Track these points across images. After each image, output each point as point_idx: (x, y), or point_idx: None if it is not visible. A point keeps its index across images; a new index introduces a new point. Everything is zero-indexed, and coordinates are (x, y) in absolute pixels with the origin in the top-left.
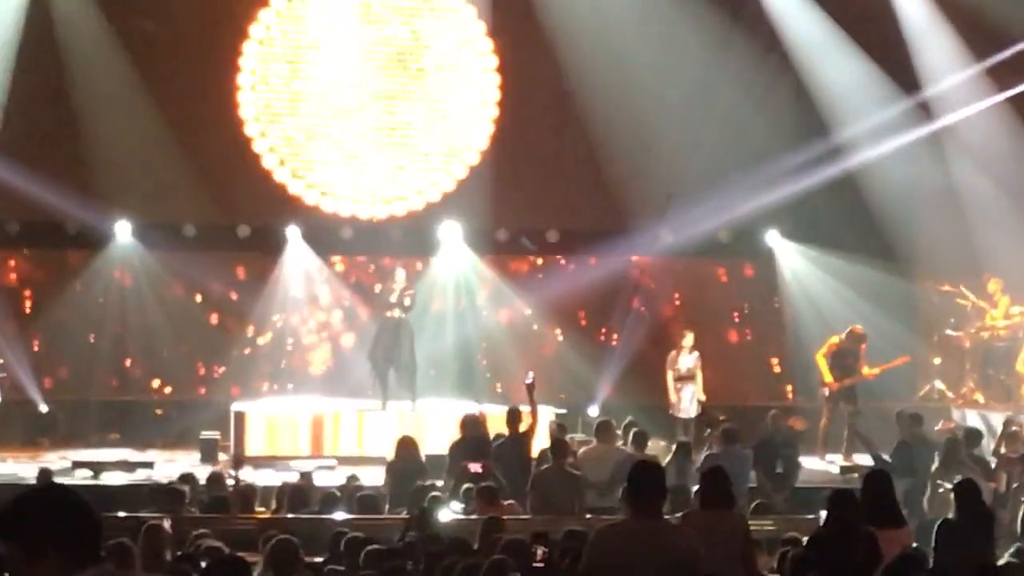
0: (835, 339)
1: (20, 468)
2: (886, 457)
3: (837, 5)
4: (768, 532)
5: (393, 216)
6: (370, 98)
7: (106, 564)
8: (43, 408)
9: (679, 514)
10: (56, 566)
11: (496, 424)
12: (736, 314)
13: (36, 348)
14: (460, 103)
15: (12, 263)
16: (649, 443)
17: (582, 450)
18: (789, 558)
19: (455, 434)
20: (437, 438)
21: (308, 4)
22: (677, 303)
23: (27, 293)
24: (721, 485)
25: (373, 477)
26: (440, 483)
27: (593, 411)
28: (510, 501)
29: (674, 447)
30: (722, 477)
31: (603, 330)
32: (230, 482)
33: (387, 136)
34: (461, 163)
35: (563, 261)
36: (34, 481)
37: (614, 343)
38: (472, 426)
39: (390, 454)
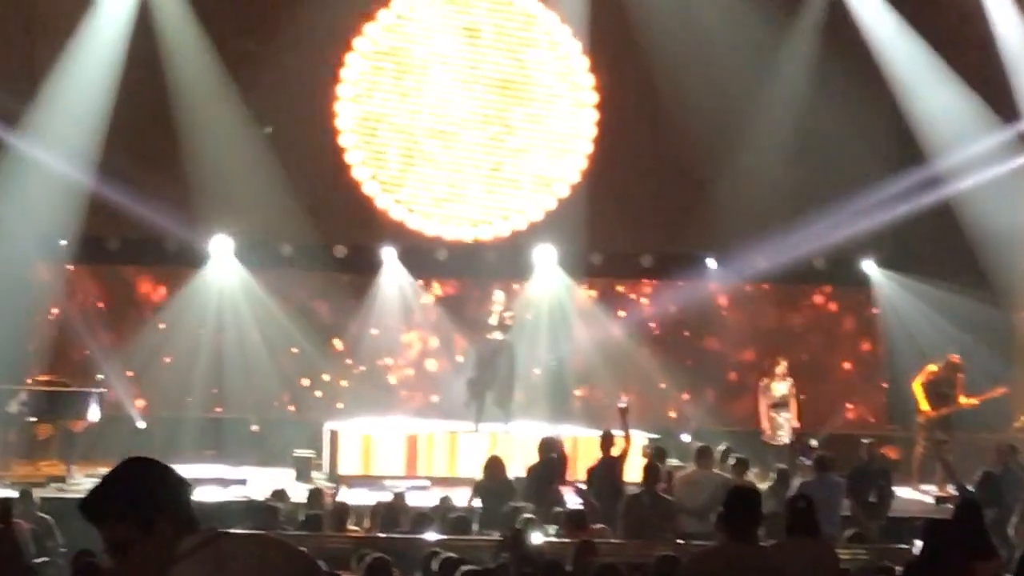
0: (932, 368)
1: None
2: (969, 488)
3: (935, 31)
4: (861, 561)
5: (489, 239)
6: (469, 120)
7: (209, 527)
8: (140, 424)
9: (772, 542)
10: (164, 534)
11: (590, 448)
12: (831, 342)
13: (134, 364)
14: (558, 127)
15: (113, 280)
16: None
17: (680, 474)
18: None
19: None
20: (528, 461)
21: (415, 21)
22: (771, 330)
23: (126, 309)
24: (805, 513)
25: (465, 498)
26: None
27: (686, 437)
28: (600, 525)
29: (773, 475)
30: (806, 505)
31: (695, 355)
32: (329, 500)
33: (485, 158)
34: (558, 186)
35: (656, 285)
36: None
37: (705, 368)
38: (547, 448)
39: (478, 475)
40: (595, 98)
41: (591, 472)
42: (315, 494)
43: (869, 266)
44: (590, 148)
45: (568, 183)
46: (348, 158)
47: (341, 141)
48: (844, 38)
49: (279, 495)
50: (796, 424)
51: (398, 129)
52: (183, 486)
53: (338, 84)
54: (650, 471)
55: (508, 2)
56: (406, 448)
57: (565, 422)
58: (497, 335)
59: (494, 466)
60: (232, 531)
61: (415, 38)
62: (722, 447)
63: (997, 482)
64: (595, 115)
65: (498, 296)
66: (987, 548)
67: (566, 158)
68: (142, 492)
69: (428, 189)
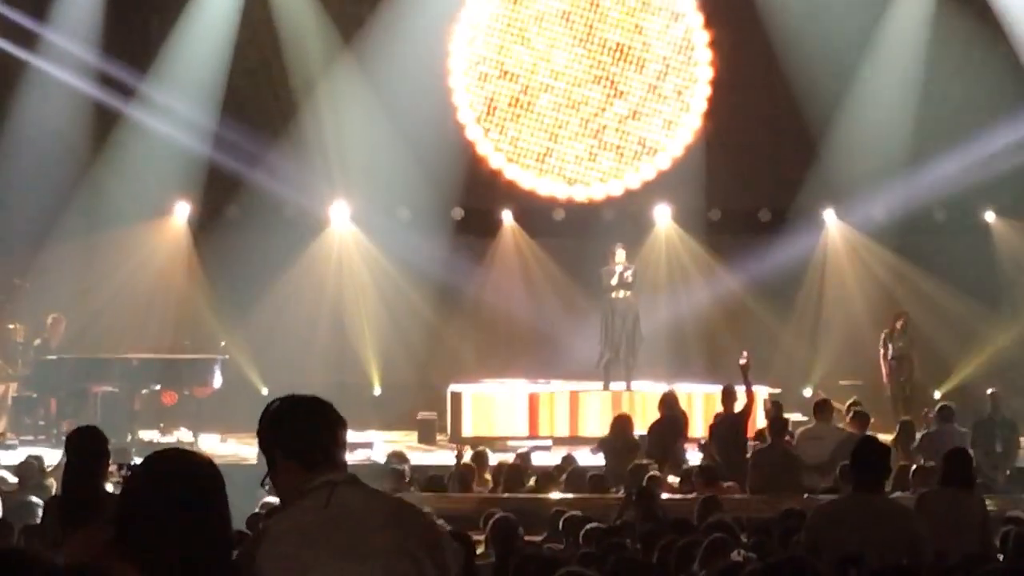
0: None
1: (242, 449)
2: None
3: None
4: (989, 512)
5: (607, 197)
6: (582, 79)
7: (339, 471)
8: (264, 391)
9: (911, 492)
10: (284, 471)
11: (711, 404)
12: (952, 292)
13: (255, 331)
14: (674, 85)
15: (231, 247)
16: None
17: (800, 429)
18: (1012, 536)
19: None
20: (650, 418)
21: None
22: (890, 281)
23: (246, 276)
24: (964, 466)
25: (588, 457)
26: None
27: (807, 391)
28: (730, 483)
29: (897, 426)
30: (965, 458)
31: (816, 309)
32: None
33: (601, 117)
34: (674, 143)
35: (775, 239)
36: (255, 462)
37: (826, 322)
38: (669, 405)
39: (605, 433)
40: (709, 55)
41: (713, 428)
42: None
43: (989, 214)
44: (704, 105)
45: (679, 146)
46: (461, 117)
47: (454, 97)
48: None
49: (399, 456)
50: (916, 376)
51: (511, 76)
52: (305, 426)
53: (450, 41)
54: (776, 424)
55: None
56: (528, 408)
57: (686, 378)
58: (621, 293)
59: (622, 423)
60: (358, 482)
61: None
62: (849, 401)
63: None
64: (709, 71)
65: (619, 254)
66: None
67: (686, 107)
68: (263, 432)
69: (530, 141)
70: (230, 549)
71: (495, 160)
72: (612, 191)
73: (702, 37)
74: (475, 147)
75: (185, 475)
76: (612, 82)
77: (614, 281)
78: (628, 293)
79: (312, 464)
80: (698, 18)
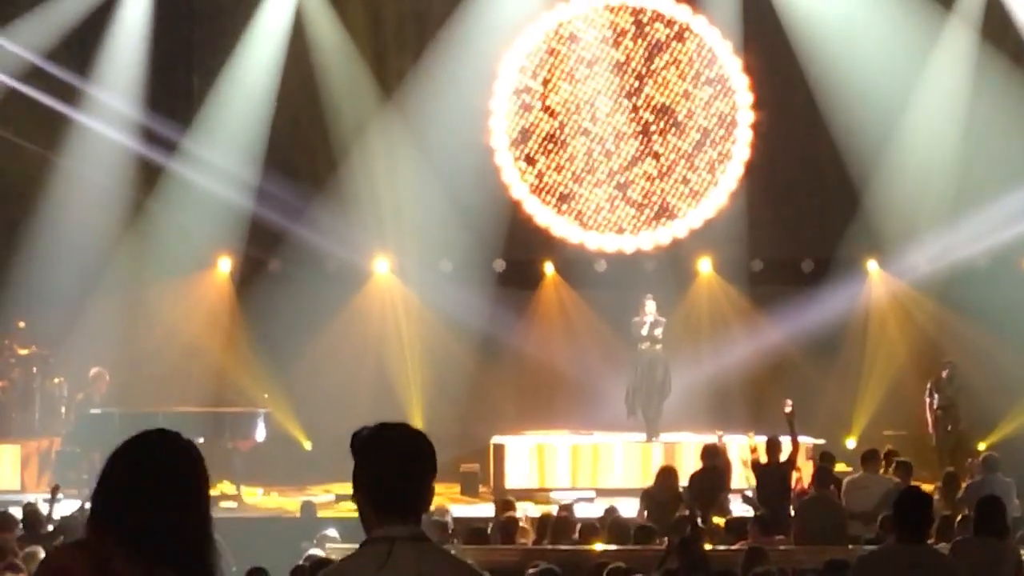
0: None
1: (285, 502)
2: None
3: None
4: None
5: (651, 247)
6: (625, 131)
7: (407, 523)
8: (307, 446)
9: (947, 543)
10: (358, 506)
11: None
12: (995, 342)
13: (298, 384)
14: (715, 134)
15: (274, 301)
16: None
17: (847, 479)
18: None
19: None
20: (692, 470)
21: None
22: (933, 332)
23: (289, 329)
24: (996, 515)
25: (631, 508)
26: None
27: (850, 443)
28: (780, 536)
29: (942, 476)
30: (998, 507)
31: (860, 359)
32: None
33: (645, 167)
34: (717, 193)
35: (818, 290)
36: (298, 515)
37: (870, 372)
38: (711, 456)
39: (647, 484)
40: (750, 103)
41: (759, 478)
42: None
43: None
44: (746, 156)
45: (733, 179)
46: (505, 173)
47: (497, 153)
48: (1000, 32)
49: (440, 509)
50: (962, 426)
51: (551, 111)
52: (371, 467)
53: (491, 112)
54: (821, 475)
55: (684, 32)
56: (571, 459)
57: (729, 429)
58: (648, 344)
59: (666, 475)
60: (420, 541)
61: (566, 55)
62: (886, 450)
63: None
64: (750, 120)
65: (649, 306)
66: None
67: (730, 157)
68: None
69: (591, 201)
70: (206, 520)
71: (541, 217)
72: (658, 240)
73: (747, 116)
74: (521, 203)
75: (151, 446)
76: (649, 140)
77: (644, 332)
78: (658, 346)
79: (381, 508)
80: (746, 97)
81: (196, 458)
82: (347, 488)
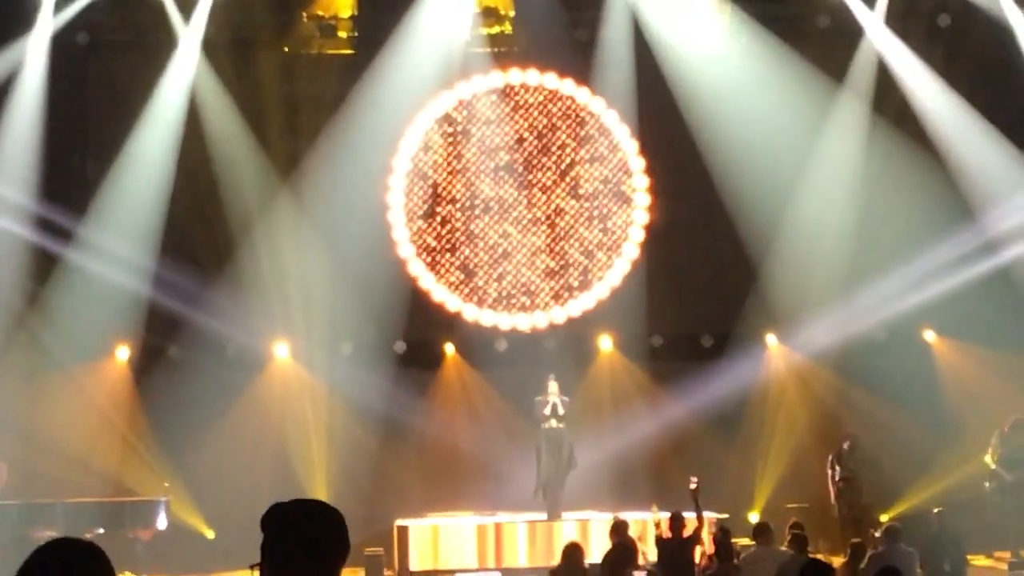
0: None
1: None
2: None
3: (972, 88)
4: None
5: (550, 325)
6: (523, 211)
7: None
8: (210, 534)
9: None
10: None
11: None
12: (895, 413)
13: (199, 471)
14: (612, 213)
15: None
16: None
17: (744, 554)
18: None
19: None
20: (596, 549)
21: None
22: (836, 404)
23: (188, 415)
24: None
25: None
26: None
27: (753, 517)
28: None
29: (848, 548)
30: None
31: (760, 433)
32: None
33: (538, 244)
34: (614, 271)
35: (718, 365)
36: None
37: (771, 446)
38: (619, 533)
39: (552, 563)
40: (645, 182)
41: (662, 553)
42: None
43: (929, 335)
44: (641, 234)
45: (620, 271)
46: (401, 251)
47: (393, 232)
48: (892, 105)
49: None
50: (864, 498)
51: (450, 213)
52: (284, 539)
53: (390, 176)
54: (723, 548)
55: (559, 94)
56: (476, 540)
57: (633, 506)
58: (553, 423)
59: (573, 553)
60: None
61: (469, 127)
62: (790, 523)
63: None
64: (646, 199)
65: (552, 386)
66: None
67: (625, 235)
68: None
69: (474, 274)
70: None
71: (437, 293)
72: (555, 319)
73: (643, 196)
74: (417, 281)
75: (55, 550)
76: (546, 219)
77: (547, 411)
78: (561, 424)
79: None
80: (642, 178)
81: (101, 562)
82: (249, 574)
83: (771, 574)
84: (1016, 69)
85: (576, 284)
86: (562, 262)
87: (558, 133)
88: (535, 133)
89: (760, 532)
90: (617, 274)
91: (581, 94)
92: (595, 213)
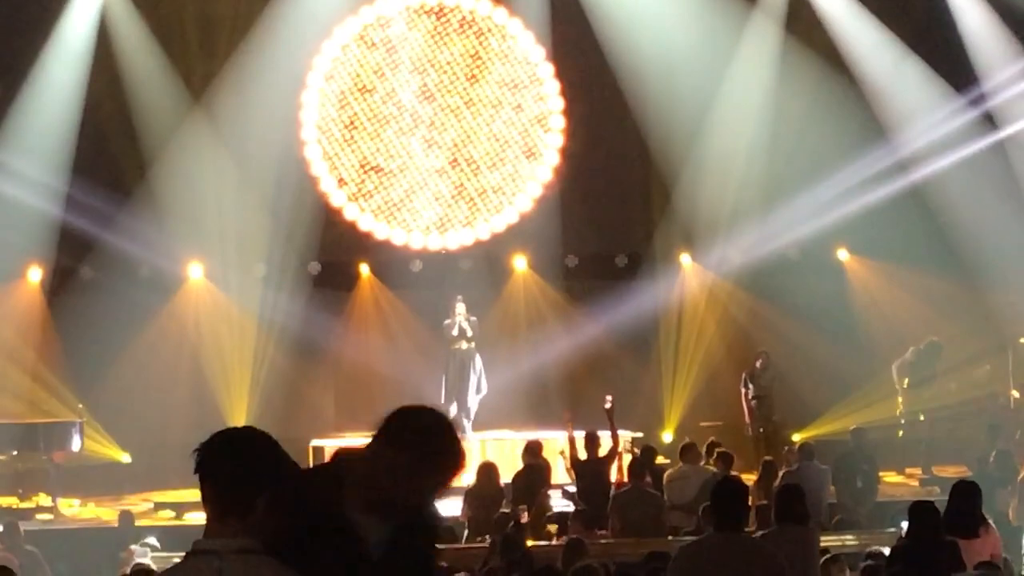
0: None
1: (102, 512)
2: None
3: (897, 15)
4: (850, 547)
5: (461, 247)
6: (434, 124)
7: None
8: (123, 457)
9: (762, 532)
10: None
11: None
12: (808, 331)
13: (113, 394)
14: (524, 129)
15: (87, 308)
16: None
17: (667, 472)
18: (872, 572)
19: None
20: (513, 468)
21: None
22: (749, 323)
23: (103, 338)
24: (794, 502)
25: (450, 508)
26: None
27: (667, 436)
28: (602, 531)
29: (760, 466)
30: (795, 494)
31: (675, 352)
32: None
33: (453, 164)
34: (528, 191)
35: (633, 285)
36: (116, 525)
37: (686, 365)
38: (532, 453)
39: (468, 483)
40: (560, 104)
41: (578, 473)
42: None
43: (842, 253)
44: (556, 156)
45: (544, 178)
46: (314, 170)
47: (306, 151)
48: (805, 26)
49: None
50: (777, 416)
51: (365, 140)
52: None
53: (304, 91)
54: (635, 467)
55: (475, 15)
56: None
57: (548, 426)
58: (462, 344)
59: (487, 472)
60: (254, 553)
61: (384, 46)
62: (709, 441)
63: (1010, 460)
64: (560, 121)
65: (460, 307)
66: (975, 527)
67: (540, 153)
68: None
69: (387, 193)
70: None
71: (349, 211)
72: (466, 241)
73: (557, 117)
74: (328, 199)
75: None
76: (461, 138)
77: (455, 332)
78: (470, 345)
79: (215, 514)
80: (557, 98)
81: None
82: (165, 496)
83: (694, 492)
84: None
85: (489, 206)
86: (476, 184)
87: (474, 54)
88: (451, 52)
89: (686, 451)
90: (531, 195)
91: (498, 15)
92: (511, 135)
